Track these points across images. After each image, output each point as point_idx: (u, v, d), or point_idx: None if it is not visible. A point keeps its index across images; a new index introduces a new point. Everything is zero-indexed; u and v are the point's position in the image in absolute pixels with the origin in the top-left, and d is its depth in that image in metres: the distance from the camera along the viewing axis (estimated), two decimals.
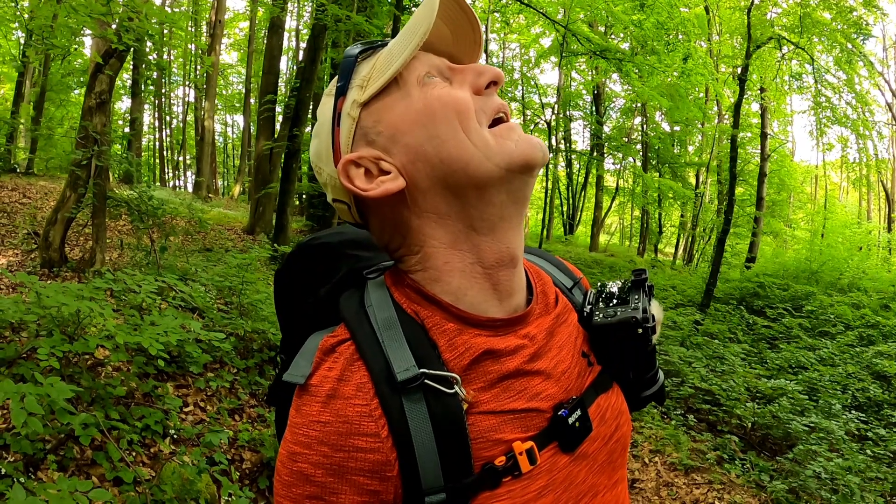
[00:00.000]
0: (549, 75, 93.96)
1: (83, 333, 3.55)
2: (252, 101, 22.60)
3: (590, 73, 22.40)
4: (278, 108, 14.44)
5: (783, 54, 11.97)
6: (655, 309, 0.86)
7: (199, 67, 25.44)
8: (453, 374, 0.66)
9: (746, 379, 6.06)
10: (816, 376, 6.37)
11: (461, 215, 0.72)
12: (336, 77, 0.76)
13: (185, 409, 4.11)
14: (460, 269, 0.72)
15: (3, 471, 2.48)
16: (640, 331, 0.77)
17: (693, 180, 24.31)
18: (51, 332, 3.39)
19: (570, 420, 0.71)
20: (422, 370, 0.65)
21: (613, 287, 0.87)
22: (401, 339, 0.68)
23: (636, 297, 0.82)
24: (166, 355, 3.50)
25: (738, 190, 15.74)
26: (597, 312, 0.81)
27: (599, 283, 0.90)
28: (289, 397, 0.69)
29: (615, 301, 0.83)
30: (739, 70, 10.42)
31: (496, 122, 0.74)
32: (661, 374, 0.90)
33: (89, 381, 3.42)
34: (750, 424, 5.23)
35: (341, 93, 0.74)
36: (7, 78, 17.73)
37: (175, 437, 3.65)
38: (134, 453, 3.31)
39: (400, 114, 0.71)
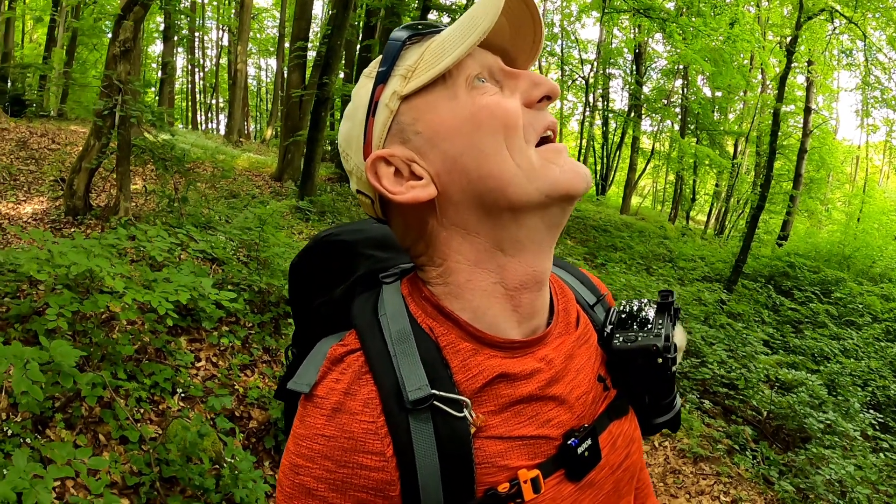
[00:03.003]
0: (590, 30, 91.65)
1: (98, 286, 3.58)
2: (287, 44, 22.35)
3: (632, 31, 21.53)
4: (312, 54, 14.20)
5: (834, 28, 11.31)
6: (679, 334, 0.82)
7: (233, 11, 25.17)
8: (464, 398, 0.64)
9: (767, 366, 5.93)
10: (838, 368, 6.23)
11: (490, 234, 0.68)
12: (378, 59, 0.71)
13: (198, 365, 4.14)
14: (482, 288, 0.69)
15: (11, 431, 2.52)
16: (661, 360, 0.74)
17: (731, 149, 23.65)
18: (66, 287, 3.43)
19: (580, 450, 0.69)
20: (433, 391, 0.63)
21: (637, 307, 0.83)
22: (414, 355, 0.65)
23: (660, 321, 0.78)
24: (175, 315, 3.50)
25: (776, 164, 15.20)
26: (617, 335, 0.78)
27: (623, 302, 0.85)
28: (297, 398, 0.69)
29: (637, 324, 0.79)
30: (788, 40, 9.88)
31: (543, 140, 0.69)
32: (678, 401, 0.86)
33: (100, 338, 3.47)
34: (766, 413, 5.13)
35: (382, 79, 0.68)
36: (40, 24, 17.73)
37: (184, 394, 3.70)
38: (142, 410, 3.36)
39: (443, 116, 0.66)
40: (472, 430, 0.63)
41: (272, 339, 4.64)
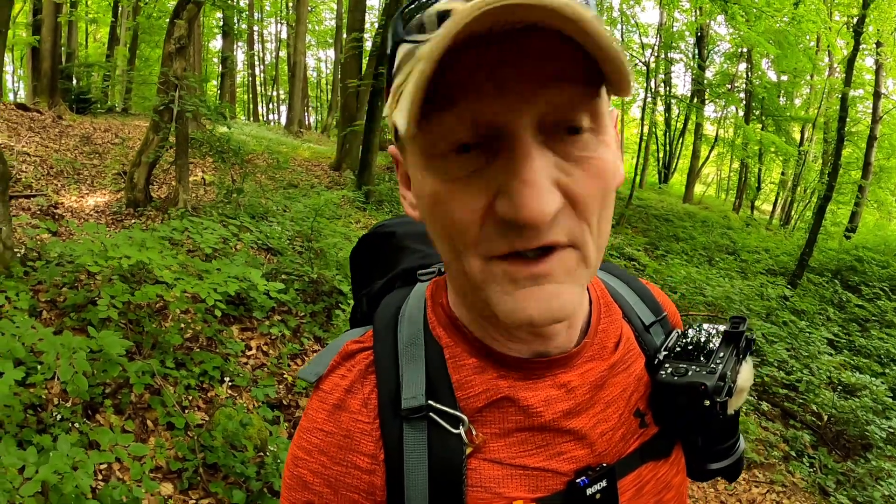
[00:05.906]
0: (650, 14, 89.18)
1: (152, 277, 3.71)
2: (345, 34, 22.62)
3: (693, 13, 20.73)
4: (370, 44, 14.30)
5: None
6: (744, 373, 0.70)
7: (290, 4, 25.66)
8: (460, 415, 0.60)
9: (830, 368, 5.62)
10: None
11: None
12: None
13: (248, 353, 4.23)
14: None
15: (61, 416, 2.65)
16: (707, 402, 0.63)
17: (797, 136, 22.50)
18: (121, 278, 3.56)
19: (589, 491, 0.61)
20: (428, 402, 0.60)
21: (705, 334, 0.73)
22: (419, 362, 0.63)
23: (721, 354, 0.68)
24: (223, 305, 3.58)
25: (844, 152, 14.30)
26: (667, 364, 0.68)
27: (691, 325, 0.77)
28: None
29: (695, 354, 0.69)
30: (855, 21, 9.26)
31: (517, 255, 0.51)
32: (740, 446, 0.76)
33: (152, 327, 3.60)
34: (826, 417, 4.87)
35: (388, 80, 0.57)
36: (102, 22, 18.45)
37: (231, 382, 3.79)
38: (190, 397, 3.47)
39: (410, 170, 0.56)
40: (468, 449, 0.60)
41: (322, 330, 4.70)
